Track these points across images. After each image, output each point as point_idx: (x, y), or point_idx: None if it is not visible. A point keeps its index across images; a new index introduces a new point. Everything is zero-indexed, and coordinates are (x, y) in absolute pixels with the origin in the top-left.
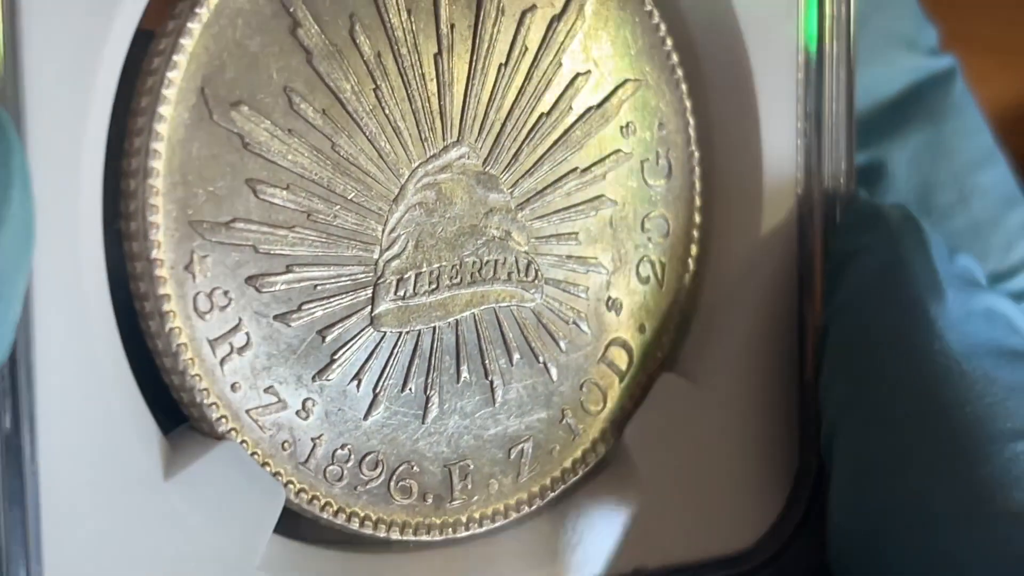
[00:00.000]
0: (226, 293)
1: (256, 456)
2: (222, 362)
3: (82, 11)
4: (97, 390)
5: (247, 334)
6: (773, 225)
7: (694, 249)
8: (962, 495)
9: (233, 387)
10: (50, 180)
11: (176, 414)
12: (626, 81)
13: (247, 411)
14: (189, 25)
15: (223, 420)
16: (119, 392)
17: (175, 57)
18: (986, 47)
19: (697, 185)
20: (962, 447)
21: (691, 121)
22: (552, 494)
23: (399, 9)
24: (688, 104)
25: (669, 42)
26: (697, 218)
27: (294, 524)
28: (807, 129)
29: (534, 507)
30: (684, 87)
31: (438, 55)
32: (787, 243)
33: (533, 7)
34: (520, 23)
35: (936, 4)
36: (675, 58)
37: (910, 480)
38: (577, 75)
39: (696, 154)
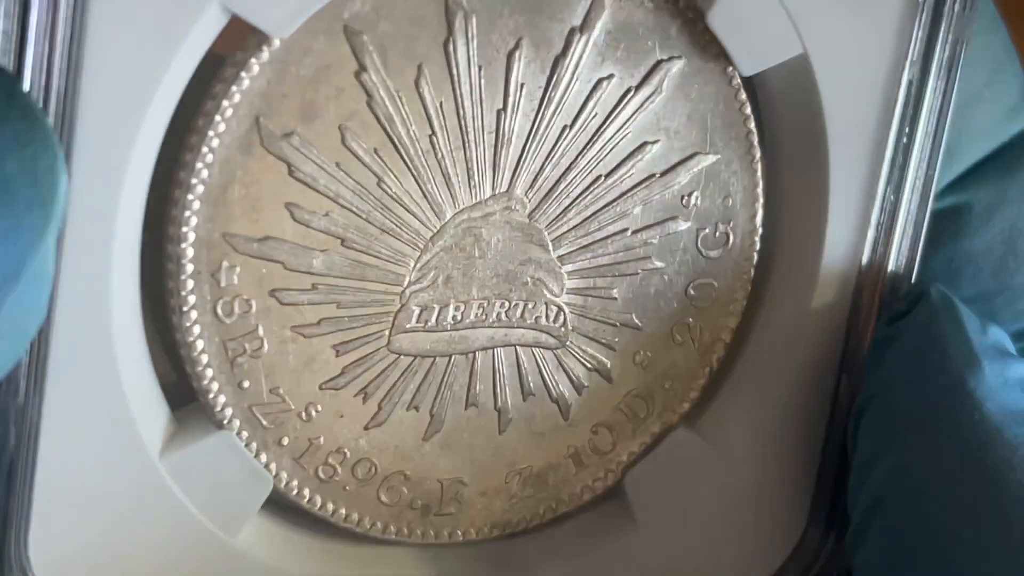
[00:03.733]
0: (248, 300)
1: (251, 447)
2: (234, 361)
3: (146, 43)
4: (109, 369)
5: (263, 339)
6: (824, 306)
7: (736, 318)
8: (1012, 568)
9: (240, 384)
10: (96, 176)
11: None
12: (696, 154)
13: (250, 407)
14: (253, 60)
15: (225, 411)
16: (131, 374)
17: (234, 87)
18: None
19: (754, 258)
20: (1012, 512)
21: (760, 199)
22: (540, 520)
23: (469, 64)
24: (760, 182)
25: (751, 123)
26: (748, 288)
27: (284, 506)
28: (880, 223)
29: (520, 528)
30: (759, 167)
31: (501, 111)
32: (835, 326)
33: (611, 76)
34: (595, 89)
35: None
36: (755, 139)
37: (958, 555)
38: (645, 143)
39: (760, 230)
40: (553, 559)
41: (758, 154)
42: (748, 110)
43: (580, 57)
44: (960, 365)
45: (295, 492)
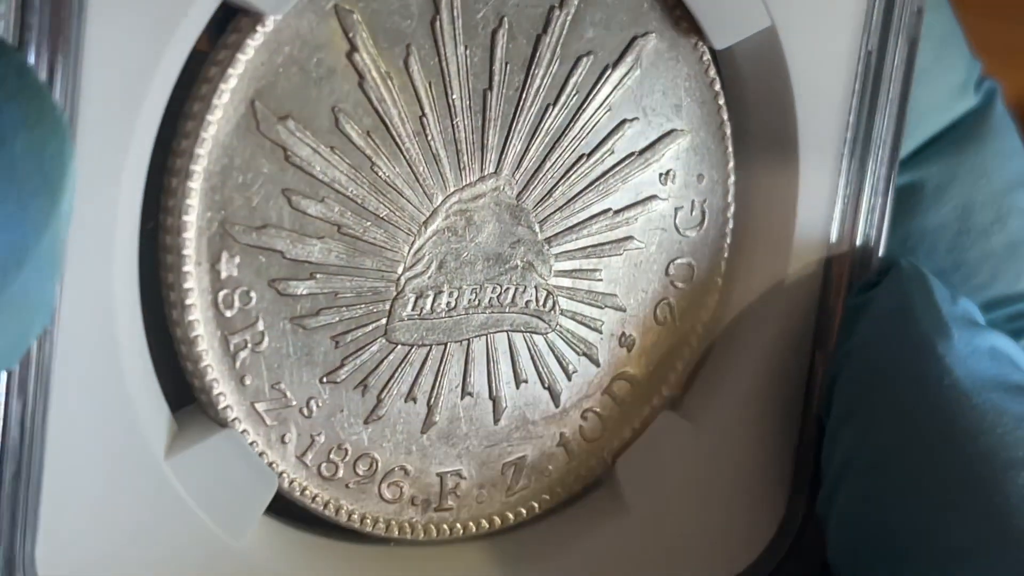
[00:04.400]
0: (248, 292)
1: (255, 446)
2: (235, 356)
3: (145, 25)
4: (112, 368)
5: (263, 332)
6: (797, 280)
7: (715, 296)
8: (979, 523)
9: (242, 380)
10: (95, 168)
11: (191, 394)
12: (672, 131)
13: (252, 403)
14: (248, 41)
15: (228, 409)
16: (134, 373)
17: (229, 70)
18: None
19: (728, 236)
20: (977, 476)
21: (732, 176)
22: (537, 509)
23: (456, 43)
24: (732, 159)
25: (722, 99)
26: (723, 266)
27: (287, 505)
28: (846, 196)
29: (518, 520)
30: (730, 143)
31: (487, 90)
32: (808, 299)
33: (590, 53)
34: (574, 67)
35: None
36: (725, 115)
37: (926, 512)
38: (624, 120)
39: (732, 207)
40: (550, 552)
41: (728, 131)
42: (718, 86)
43: (560, 34)
44: (930, 332)
45: (299, 492)
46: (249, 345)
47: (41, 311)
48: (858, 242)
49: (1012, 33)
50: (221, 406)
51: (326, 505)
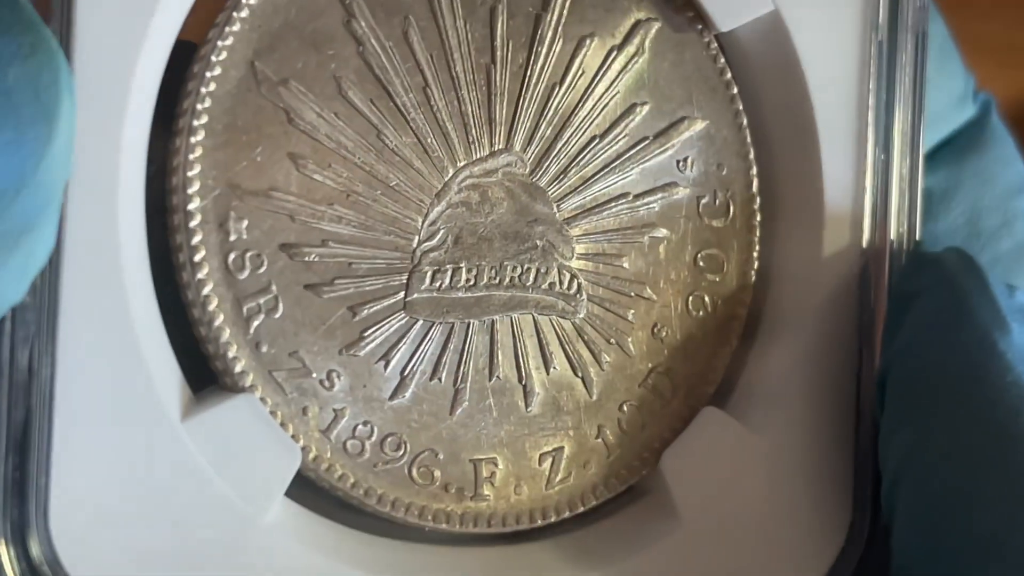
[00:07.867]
0: (259, 255)
1: (276, 416)
2: (248, 320)
3: None
4: (122, 329)
5: (276, 297)
6: (834, 272)
7: (749, 291)
8: None
9: (257, 346)
10: (93, 132)
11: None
12: (684, 118)
13: (270, 371)
14: (244, 2)
15: (245, 375)
16: (145, 334)
17: (228, 28)
18: (984, 47)
19: (757, 230)
20: None
21: (754, 166)
22: (582, 508)
23: (455, 16)
24: (751, 148)
25: (734, 88)
26: (755, 261)
27: (312, 495)
28: (875, 186)
29: (562, 517)
30: (747, 131)
31: (491, 65)
32: (847, 294)
33: (592, 35)
34: (578, 47)
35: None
36: (739, 104)
37: (989, 515)
38: (635, 104)
39: (758, 198)
40: (596, 558)
41: (744, 120)
42: (729, 75)
43: (561, 14)
44: (988, 327)
45: (324, 468)
46: (263, 311)
47: (42, 241)
48: (892, 233)
49: (1010, 33)
50: (237, 371)
51: (354, 485)
